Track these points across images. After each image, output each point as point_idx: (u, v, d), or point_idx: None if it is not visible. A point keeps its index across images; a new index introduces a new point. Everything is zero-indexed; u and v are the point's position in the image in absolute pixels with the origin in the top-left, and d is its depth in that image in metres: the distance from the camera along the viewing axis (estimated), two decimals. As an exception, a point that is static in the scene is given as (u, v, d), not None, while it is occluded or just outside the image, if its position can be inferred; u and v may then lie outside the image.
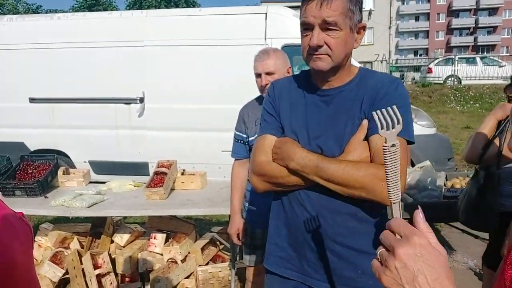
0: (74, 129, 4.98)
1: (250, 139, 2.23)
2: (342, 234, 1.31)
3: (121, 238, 3.16)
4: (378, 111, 0.72)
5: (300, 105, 1.37)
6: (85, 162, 5.06)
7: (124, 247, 3.15)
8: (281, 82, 1.49)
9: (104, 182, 3.41)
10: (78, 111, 4.96)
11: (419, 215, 0.63)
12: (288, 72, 2.19)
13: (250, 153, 2.24)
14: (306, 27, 1.26)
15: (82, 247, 3.17)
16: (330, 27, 1.22)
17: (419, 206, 0.66)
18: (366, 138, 1.26)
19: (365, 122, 1.27)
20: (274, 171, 1.32)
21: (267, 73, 2.11)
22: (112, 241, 3.22)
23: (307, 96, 1.37)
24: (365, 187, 1.19)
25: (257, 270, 2.41)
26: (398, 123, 0.67)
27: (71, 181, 3.34)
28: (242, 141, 2.29)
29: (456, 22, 49.73)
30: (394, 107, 0.71)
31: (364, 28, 1.31)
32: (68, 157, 5.12)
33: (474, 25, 49.35)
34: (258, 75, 2.16)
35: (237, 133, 2.31)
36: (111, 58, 4.84)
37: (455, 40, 49.23)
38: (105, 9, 23.95)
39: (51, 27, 5.01)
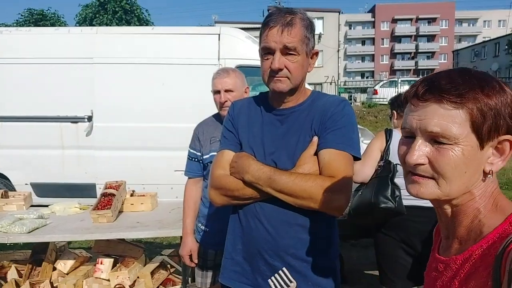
0: (14, 149, 4.70)
1: (204, 157, 2.22)
2: (294, 246, 1.36)
3: (64, 265, 2.98)
4: (273, 278, 0.79)
5: (258, 123, 1.46)
6: (26, 184, 4.76)
7: (67, 274, 2.97)
8: (241, 102, 1.58)
9: (47, 206, 3.23)
10: (20, 130, 4.70)
11: None
12: (246, 92, 2.23)
13: (205, 171, 2.24)
14: (267, 52, 1.36)
15: (20, 276, 2.95)
16: (290, 52, 1.34)
17: None
18: (316, 153, 1.36)
19: (315, 139, 1.37)
20: (230, 184, 1.39)
21: (226, 91, 2.13)
22: (54, 268, 3.03)
23: (264, 115, 1.46)
24: (313, 197, 1.27)
25: None
26: (291, 281, 0.74)
27: (10, 205, 3.13)
28: (196, 159, 2.26)
29: (398, 47, 53.07)
30: (285, 269, 0.79)
31: (317, 53, 1.43)
32: (8, 180, 4.80)
33: (414, 50, 52.83)
34: (217, 92, 2.17)
35: (191, 151, 2.29)
36: (58, 75, 4.66)
37: (398, 63, 52.41)
38: (52, 25, 23.07)
39: (-9, 42, 4.75)
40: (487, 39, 42.05)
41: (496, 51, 35.53)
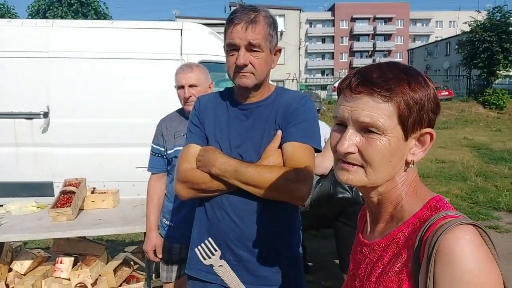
0: (-37, 147, 4.45)
1: (168, 152, 2.22)
2: (260, 235, 1.41)
3: (21, 265, 2.88)
4: (199, 247, 0.85)
5: (224, 117, 1.50)
6: (-23, 183, 4.52)
7: (24, 275, 2.88)
8: (207, 97, 1.61)
9: (1, 205, 3.10)
10: (-31, 126, 4.45)
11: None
12: (210, 87, 2.25)
13: (169, 166, 2.24)
14: (232, 48, 1.40)
15: (-27, 278, 2.82)
16: (254, 49, 1.38)
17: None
18: (280, 146, 1.42)
19: (279, 132, 1.43)
20: (197, 177, 1.42)
21: (190, 86, 2.14)
22: (10, 270, 2.92)
23: (230, 110, 1.50)
24: (278, 188, 1.33)
25: (176, 286, 2.38)
26: (216, 250, 0.80)
27: (-39, 205, 2.98)
28: (159, 155, 2.26)
29: (357, 45, 54.56)
30: (210, 239, 0.84)
31: (280, 50, 1.50)
32: (-44, 179, 4.54)
33: (372, 49, 54.52)
34: (181, 87, 2.17)
35: (154, 146, 2.28)
36: (11, 69, 4.44)
37: (357, 61, 53.91)
38: (2, 16, 21.79)
39: None
40: (439, 38, 44.02)
41: (447, 50, 37.27)
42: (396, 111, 0.77)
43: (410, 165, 0.82)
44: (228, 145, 1.45)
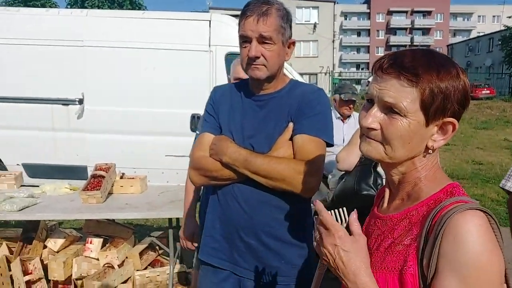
0: (6, 129, 4.70)
1: None
2: (269, 224, 1.45)
3: (54, 243, 3.05)
4: (334, 211, 0.88)
5: (238, 108, 1.53)
6: (18, 165, 4.78)
7: (57, 252, 3.04)
8: (223, 87, 1.64)
9: (38, 186, 3.28)
10: (11, 110, 4.69)
11: (352, 215, 0.84)
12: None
13: None
14: (244, 40, 1.43)
15: (11, 253, 3.01)
16: (266, 41, 1.40)
17: (355, 210, 0.87)
18: (291, 138, 1.44)
19: (290, 124, 1.45)
20: (209, 165, 1.46)
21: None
22: (45, 247, 3.09)
23: (244, 101, 1.53)
24: (285, 179, 1.36)
25: None
26: (346, 220, 0.86)
27: (1, 184, 3.18)
28: None
29: (394, 39, 53.05)
30: (345, 209, 0.88)
31: (293, 43, 1.51)
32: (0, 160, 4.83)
33: (410, 43, 52.89)
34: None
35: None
36: (48, 57, 4.64)
37: (393, 56, 52.25)
38: (42, 5, 22.54)
39: (-20, 22, 4.72)
40: (481, 34, 42.21)
41: (490, 47, 35.70)
42: (419, 97, 0.79)
43: (430, 150, 0.85)
44: (241, 135, 1.48)
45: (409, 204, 0.88)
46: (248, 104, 1.52)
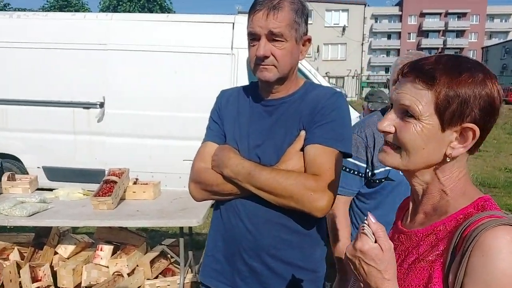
0: (27, 132, 4.77)
1: (375, 171, 1.66)
2: (275, 246, 1.29)
3: (65, 249, 3.00)
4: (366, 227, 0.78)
5: (245, 114, 1.37)
6: (38, 167, 4.83)
7: (68, 258, 2.99)
8: (230, 91, 1.48)
9: (52, 190, 3.25)
10: (33, 114, 4.76)
11: (370, 218, 0.77)
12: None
13: (370, 189, 1.73)
14: (253, 37, 1.27)
15: (23, 258, 2.98)
16: (276, 38, 1.23)
17: (369, 212, 0.80)
18: (302, 149, 1.27)
19: (302, 133, 1.28)
20: (209, 178, 1.32)
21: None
22: (56, 253, 3.05)
23: (252, 106, 1.37)
24: (293, 196, 1.19)
25: None
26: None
27: (16, 188, 3.15)
28: (357, 172, 1.70)
29: (425, 42, 51.66)
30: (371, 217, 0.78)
31: (309, 40, 1.32)
32: (21, 162, 4.88)
33: (442, 46, 51.38)
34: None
35: (351, 160, 1.65)
36: (72, 61, 4.69)
37: (425, 59, 50.95)
38: (76, 11, 23.37)
39: (9, 26, 4.82)
40: (519, 36, 40.49)
41: (528, 49, 34.18)
42: (434, 100, 0.78)
43: (448, 158, 0.81)
44: (247, 145, 1.32)
45: (435, 219, 0.84)
46: (256, 109, 1.35)
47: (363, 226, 0.77)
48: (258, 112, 1.35)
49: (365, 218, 0.78)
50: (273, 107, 1.33)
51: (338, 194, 1.59)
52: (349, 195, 1.71)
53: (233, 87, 1.55)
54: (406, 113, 0.81)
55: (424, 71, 0.79)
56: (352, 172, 1.69)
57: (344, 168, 1.64)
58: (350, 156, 1.33)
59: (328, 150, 1.24)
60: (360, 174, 1.68)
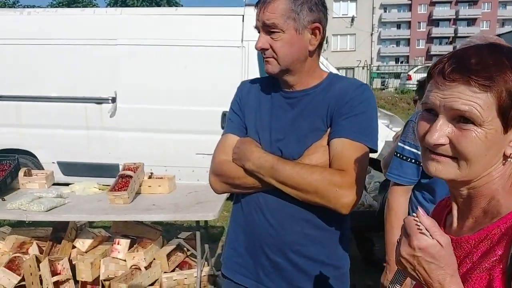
0: (42, 128, 4.81)
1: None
2: (299, 242, 1.27)
3: (82, 243, 3.03)
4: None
5: (266, 106, 1.35)
6: (53, 163, 4.88)
7: (86, 252, 3.02)
8: (251, 82, 1.46)
9: (68, 184, 3.28)
10: (47, 109, 4.80)
11: (420, 214, 0.70)
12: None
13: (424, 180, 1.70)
14: (258, 32, 1.26)
15: (41, 252, 3.02)
16: (272, 30, 1.21)
17: (419, 207, 0.73)
18: (328, 142, 1.24)
19: (329, 130, 1.25)
20: (231, 171, 1.30)
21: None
22: (74, 246, 3.08)
23: (274, 98, 1.35)
24: (318, 192, 1.17)
25: None
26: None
27: (33, 183, 3.19)
28: (413, 160, 1.65)
29: (436, 31, 50.86)
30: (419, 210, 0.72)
31: (318, 28, 1.26)
32: (36, 158, 4.94)
33: (453, 35, 50.55)
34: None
35: (407, 148, 1.65)
36: (83, 56, 4.71)
37: (435, 48, 50.24)
38: (84, 7, 23.45)
39: (20, 23, 4.85)
40: (533, 22, 39.63)
41: (542, 36, 33.52)
42: (496, 102, 0.69)
43: (509, 159, 0.74)
44: (269, 138, 1.29)
45: (487, 222, 0.76)
46: (278, 102, 1.32)
47: (417, 224, 0.70)
48: (279, 104, 1.33)
49: (413, 214, 0.72)
50: (296, 99, 1.31)
51: (396, 183, 1.66)
52: (407, 183, 1.67)
53: (255, 78, 1.52)
54: (462, 119, 0.71)
55: (475, 71, 0.69)
56: (409, 160, 1.65)
57: (401, 156, 1.66)
58: (376, 152, 1.29)
59: (356, 145, 1.20)
60: (418, 163, 1.62)
